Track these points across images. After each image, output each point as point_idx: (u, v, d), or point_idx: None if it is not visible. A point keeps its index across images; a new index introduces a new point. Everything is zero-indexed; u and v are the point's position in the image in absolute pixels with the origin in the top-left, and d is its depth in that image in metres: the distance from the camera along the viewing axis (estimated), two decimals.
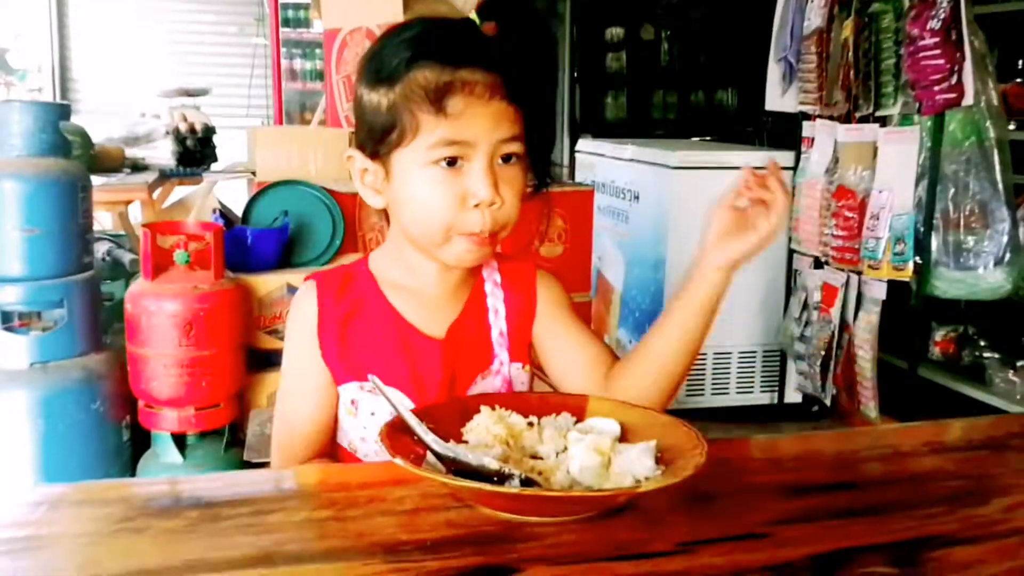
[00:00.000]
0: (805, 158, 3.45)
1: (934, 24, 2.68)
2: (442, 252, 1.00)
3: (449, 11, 2.78)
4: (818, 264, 3.39)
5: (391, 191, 1.00)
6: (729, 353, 3.66)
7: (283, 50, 5.86)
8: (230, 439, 2.45)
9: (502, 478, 0.73)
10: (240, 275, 2.52)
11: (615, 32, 6.59)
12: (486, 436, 0.81)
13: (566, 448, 0.80)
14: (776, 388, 3.72)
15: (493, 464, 0.73)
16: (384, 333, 1.04)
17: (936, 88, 2.73)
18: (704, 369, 3.64)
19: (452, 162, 0.95)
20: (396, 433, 0.78)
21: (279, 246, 2.63)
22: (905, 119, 2.96)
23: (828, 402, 3.36)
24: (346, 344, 1.03)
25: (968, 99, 2.70)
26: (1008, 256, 2.80)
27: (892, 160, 2.96)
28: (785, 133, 4.94)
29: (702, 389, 3.66)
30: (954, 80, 2.70)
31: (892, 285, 3.00)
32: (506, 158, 0.97)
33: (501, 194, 0.96)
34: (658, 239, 3.58)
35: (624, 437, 0.83)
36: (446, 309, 1.07)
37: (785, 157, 3.62)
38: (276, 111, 5.92)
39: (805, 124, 3.46)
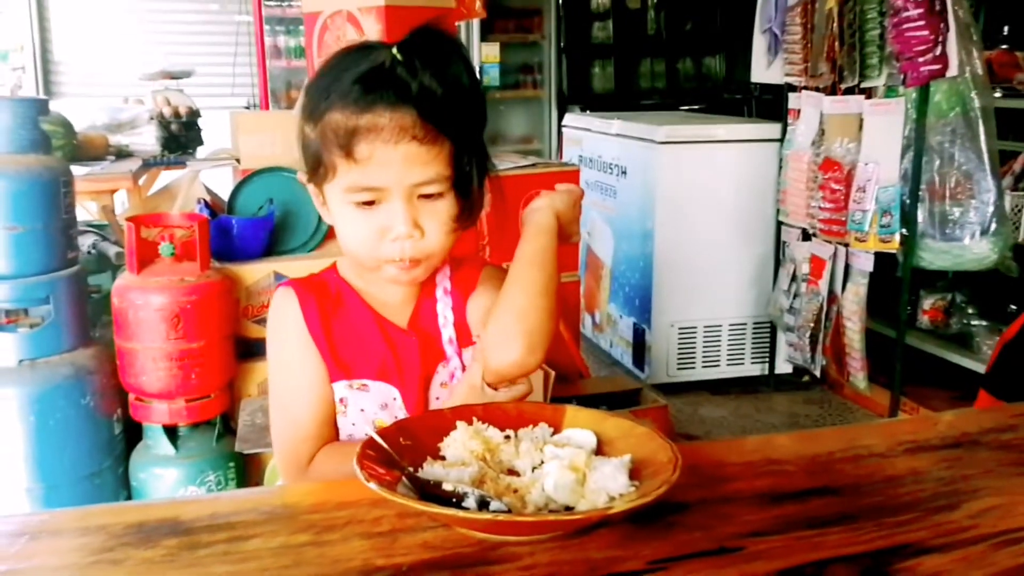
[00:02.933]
0: (791, 130, 3.45)
1: None
2: (377, 274, 1.05)
3: None
4: (806, 236, 3.40)
5: (330, 214, 1.06)
6: (720, 326, 3.68)
7: (266, 27, 5.80)
8: (222, 429, 2.46)
9: (459, 499, 0.73)
10: (226, 265, 2.51)
11: (601, 1, 6.54)
12: (463, 452, 0.82)
13: (543, 462, 0.81)
14: (767, 359, 3.74)
15: (449, 486, 0.74)
16: (367, 331, 1.08)
17: (920, 59, 2.72)
18: (695, 342, 3.66)
19: (368, 203, 0.99)
20: (371, 453, 0.79)
21: (265, 235, 2.62)
22: (890, 90, 2.95)
23: (818, 373, 3.39)
24: (332, 343, 1.06)
25: (952, 70, 2.70)
26: (993, 226, 2.80)
27: (878, 132, 2.96)
28: (772, 103, 4.93)
29: (693, 362, 3.68)
30: (938, 51, 2.69)
31: (879, 255, 3.01)
32: (427, 195, 1.00)
33: (423, 227, 1.00)
34: (646, 213, 3.58)
35: (600, 449, 0.84)
36: (406, 309, 1.11)
37: (772, 129, 3.62)
38: (261, 90, 5.86)
39: (791, 96, 3.45)
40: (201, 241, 2.34)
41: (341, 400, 1.06)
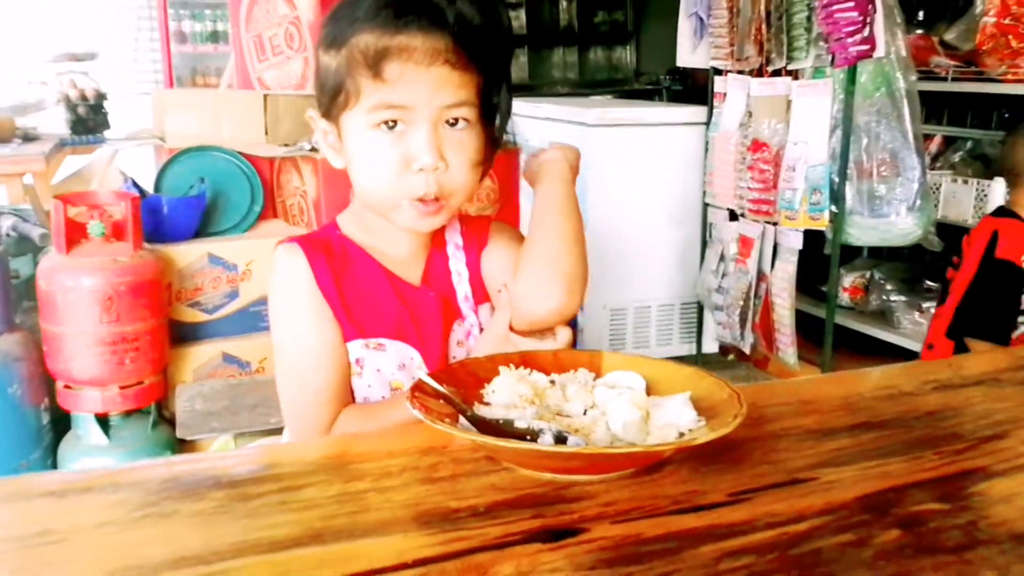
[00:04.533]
0: (718, 113, 3.50)
1: None
2: (394, 217, 1.00)
3: None
4: (733, 217, 3.46)
5: (344, 152, 1.00)
6: (649, 307, 3.72)
7: (170, 11, 5.59)
8: (156, 417, 2.36)
9: (534, 436, 0.70)
10: (157, 246, 2.41)
11: None
12: (511, 397, 0.79)
13: (594, 405, 0.79)
14: (694, 339, 3.80)
15: (523, 423, 0.71)
16: (380, 289, 1.03)
17: (849, 40, 2.79)
18: (626, 323, 3.69)
19: (392, 125, 0.94)
20: (422, 396, 0.75)
21: (197, 215, 2.53)
22: (818, 72, 3.02)
23: (747, 350, 3.45)
24: (345, 301, 1.00)
25: (880, 51, 2.78)
26: (918, 202, 2.90)
27: (806, 112, 3.02)
28: (690, 89, 5.02)
29: (624, 343, 3.70)
30: (867, 32, 2.77)
31: (805, 234, 3.08)
32: (453, 123, 0.96)
33: (447, 159, 0.96)
34: (579, 197, 3.57)
35: (649, 391, 0.82)
36: (417, 265, 1.07)
37: (698, 112, 3.67)
38: (166, 76, 5.65)
39: (717, 79, 3.50)
40: (134, 220, 2.23)
41: (357, 361, 1.01)
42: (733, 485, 0.70)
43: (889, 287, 3.53)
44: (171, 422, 2.40)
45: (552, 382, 0.82)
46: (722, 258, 3.51)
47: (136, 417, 2.33)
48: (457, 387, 0.80)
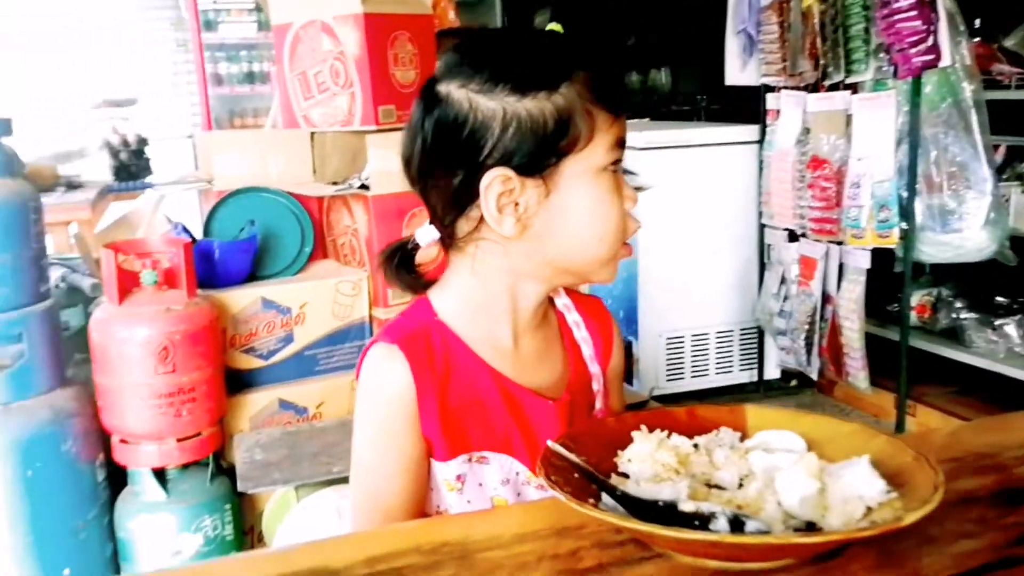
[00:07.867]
0: (771, 131, 3.39)
1: None
2: (604, 269, 0.89)
3: None
4: (792, 237, 3.34)
5: (551, 209, 0.85)
6: (707, 334, 3.60)
7: (206, 54, 5.61)
8: (215, 469, 2.28)
9: (704, 520, 0.60)
10: (210, 292, 2.34)
11: (545, 18, 6.49)
12: (653, 466, 0.69)
13: (749, 473, 0.68)
14: (755, 365, 3.67)
15: (688, 505, 0.61)
16: (489, 399, 0.90)
17: (913, 51, 2.68)
18: (683, 351, 3.57)
19: (617, 164, 0.87)
20: (555, 472, 0.65)
21: (249, 258, 2.46)
22: (879, 84, 2.91)
23: (815, 375, 3.32)
24: (447, 415, 0.88)
25: (945, 60, 2.67)
26: (992, 215, 2.77)
27: (869, 126, 2.91)
28: (727, 109, 4.90)
29: (682, 372, 3.59)
30: (931, 41, 2.66)
31: (872, 253, 2.96)
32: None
33: None
34: None
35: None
36: (543, 362, 0.95)
37: (749, 131, 3.57)
38: (205, 119, 5.66)
39: (769, 96, 3.40)
40: (187, 266, 2.16)
41: (458, 477, 0.89)
42: (939, 567, 0.59)
43: (959, 304, 3.38)
44: (228, 473, 2.32)
45: (695, 446, 0.72)
46: (783, 280, 3.39)
47: (194, 470, 2.25)
48: (587, 456, 0.71)
